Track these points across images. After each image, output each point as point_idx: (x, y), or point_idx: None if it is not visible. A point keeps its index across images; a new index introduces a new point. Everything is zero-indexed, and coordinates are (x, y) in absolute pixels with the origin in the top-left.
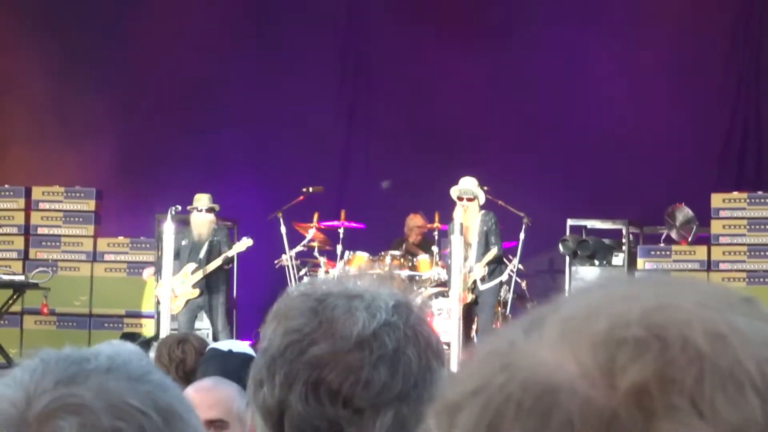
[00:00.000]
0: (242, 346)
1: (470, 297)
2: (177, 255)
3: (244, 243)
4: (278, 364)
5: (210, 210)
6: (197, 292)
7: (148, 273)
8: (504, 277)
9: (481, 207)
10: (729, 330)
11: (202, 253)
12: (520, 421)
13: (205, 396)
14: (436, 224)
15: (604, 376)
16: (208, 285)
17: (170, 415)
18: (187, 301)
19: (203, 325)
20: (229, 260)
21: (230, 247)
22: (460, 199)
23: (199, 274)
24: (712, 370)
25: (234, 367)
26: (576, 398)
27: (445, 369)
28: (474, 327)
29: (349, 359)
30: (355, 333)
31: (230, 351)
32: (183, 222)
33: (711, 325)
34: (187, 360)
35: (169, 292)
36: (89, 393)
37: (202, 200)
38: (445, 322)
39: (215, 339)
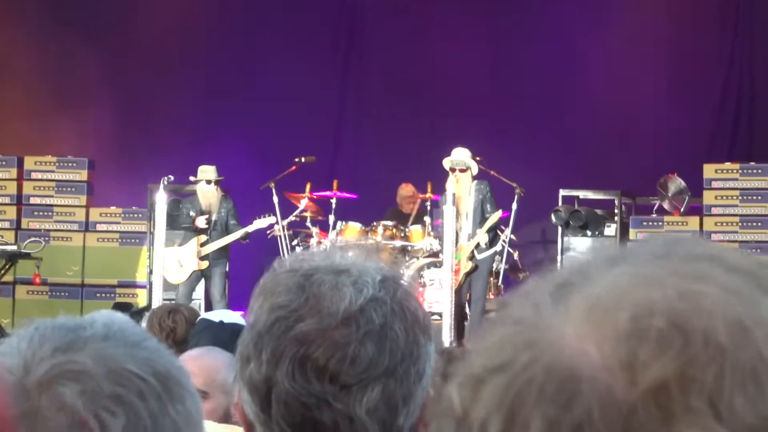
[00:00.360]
0: (233, 317)
1: (470, 265)
2: (181, 226)
3: (267, 220)
4: (265, 340)
5: (217, 182)
6: (205, 264)
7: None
8: (498, 248)
9: (474, 177)
10: (753, 321)
11: (211, 225)
12: (541, 406)
13: (189, 365)
14: (429, 194)
15: (625, 370)
16: (213, 255)
17: (168, 381)
18: (192, 272)
19: (195, 295)
20: (247, 235)
21: (237, 220)
22: (453, 170)
23: (211, 246)
24: (733, 368)
25: (225, 338)
26: (597, 389)
27: (432, 343)
28: (467, 296)
29: (336, 335)
30: (341, 309)
31: (221, 322)
32: (175, 192)
33: (734, 315)
34: (178, 330)
35: (165, 263)
36: (88, 360)
37: (209, 172)
38: (438, 293)
39: (210, 309)
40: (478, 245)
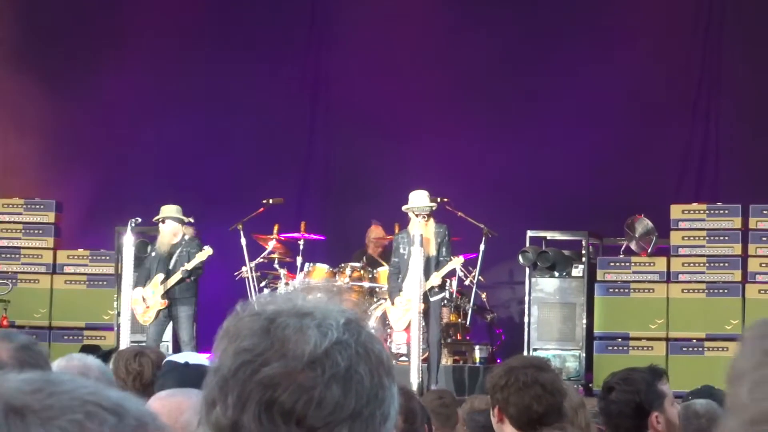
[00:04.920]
0: (199, 359)
1: (422, 306)
2: (147, 266)
3: (205, 252)
4: (230, 384)
5: (177, 221)
6: (165, 302)
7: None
8: (446, 294)
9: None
10: None
11: (171, 264)
12: None
13: (156, 404)
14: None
15: None
16: (175, 295)
17: None
18: (158, 312)
19: (164, 337)
20: (188, 272)
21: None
22: (418, 215)
23: (166, 285)
24: None
25: (191, 380)
26: None
27: (396, 385)
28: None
29: (302, 378)
30: (307, 352)
31: (187, 363)
32: (143, 234)
33: None
34: (144, 372)
35: (132, 303)
36: None
37: (163, 211)
38: (401, 335)
39: (178, 351)
40: (431, 288)
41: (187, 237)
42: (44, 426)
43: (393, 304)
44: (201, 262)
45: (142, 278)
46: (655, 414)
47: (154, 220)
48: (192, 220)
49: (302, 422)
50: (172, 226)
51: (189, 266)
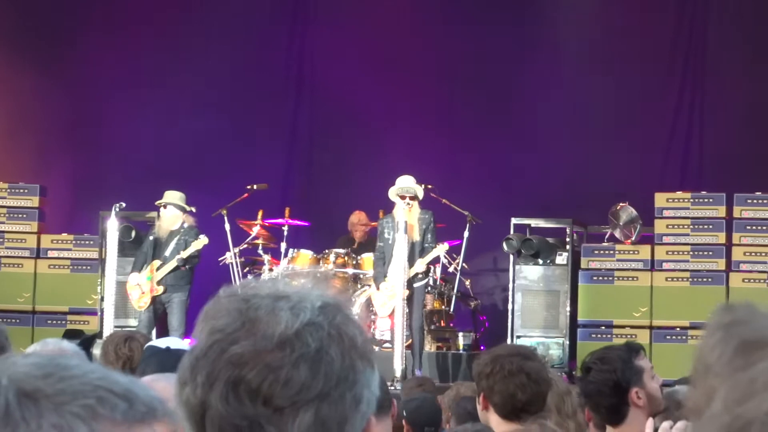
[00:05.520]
0: (180, 344)
1: (406, 293)
2: (145, 251)
3: (201, 241)
4: (201, 363)
5: (178, 208)
6: (161, 289)
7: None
8: (430, 281)
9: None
10: None
11: (168, 251)
12: None
13: None
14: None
15: None
16: (170, 282)
17: None
18: (153, 299)
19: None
20: (184, 261)
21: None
22: (403, 198)
23: (163, 271)
24: None
25: (171, 365)
26: None
27: (374, 369)
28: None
29: (269, 358)
30: (277, 332)
31: (168, 348)
32: (127, 219)
33: None
34: (134, 357)
35: (128, 289)
36: None
37: (166, 196)
38: (385, 321)
39: (166, 337)
40: (416, 274)
41: (186, 225)
42: (57, 411)
43: (378, 289)
44: (197, 250)
45: (139, 263)
46: (635, 389)
47: (156, 203)
48: (194, 210)
49: (269, 401)
50: (172, 213)
51: (184, 254)
